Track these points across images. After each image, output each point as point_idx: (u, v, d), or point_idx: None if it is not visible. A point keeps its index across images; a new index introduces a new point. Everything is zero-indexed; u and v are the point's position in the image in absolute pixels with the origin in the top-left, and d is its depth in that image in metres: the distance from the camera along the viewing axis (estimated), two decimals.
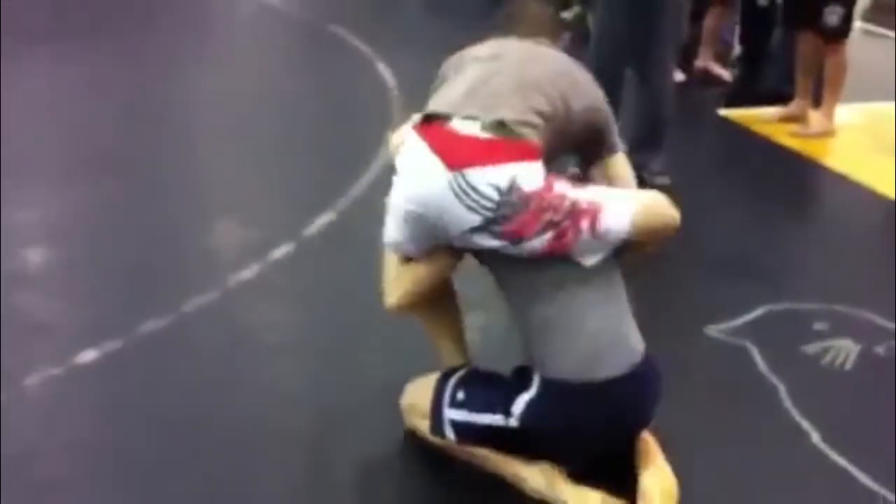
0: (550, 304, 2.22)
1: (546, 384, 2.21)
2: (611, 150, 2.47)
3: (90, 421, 2.55)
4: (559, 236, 2.14)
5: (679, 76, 5.80)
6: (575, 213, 2.14)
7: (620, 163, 2.49)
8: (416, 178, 2.20)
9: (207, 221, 3.73)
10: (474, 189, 2.12)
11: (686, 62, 5.75)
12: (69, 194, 3.87)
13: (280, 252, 3.43)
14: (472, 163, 2.13)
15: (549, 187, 2.15)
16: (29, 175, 4.06)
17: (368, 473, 2.38)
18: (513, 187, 2.12)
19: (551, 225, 2.13)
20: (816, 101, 5.04)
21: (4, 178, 3.96)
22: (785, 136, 4.87)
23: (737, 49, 6.32)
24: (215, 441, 2.46)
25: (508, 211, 2.12)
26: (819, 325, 3.05)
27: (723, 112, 5.31)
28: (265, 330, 2.97)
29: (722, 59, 6.09)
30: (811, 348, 2.93)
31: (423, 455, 2.40)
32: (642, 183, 4.06)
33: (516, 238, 2.15)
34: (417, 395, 2.42)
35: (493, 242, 2.17)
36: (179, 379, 2.70)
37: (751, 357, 2.88)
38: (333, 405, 2.61)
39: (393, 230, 2.28)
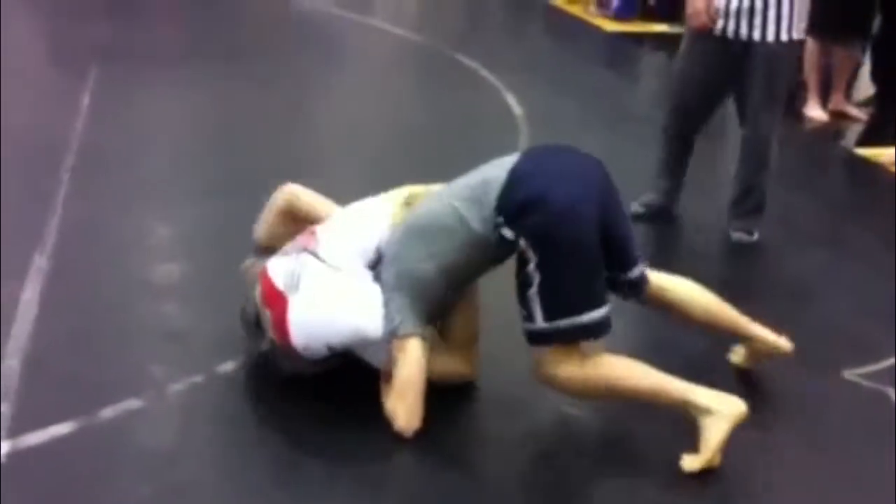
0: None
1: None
2: None
3: (227, 427, 2.65)
4: None
5: (821, 115, 5.71)
6: None
7: None
8: None
9: None
10: None
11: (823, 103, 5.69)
12: (203, 211, 4.02)
13: None
14: None
15: None
16: (167, 192, 4.25)
17: None
18: None
19: None
20: None
21: (145, 195, 4.15)
22: None
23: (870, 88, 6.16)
24: (351, 449, 2.53)
25: None
26: None
27: (858, 151, 5.19)
28: None
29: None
30: None
31: None
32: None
33: None
34: None
35: None
36: (313, 388, 2.76)
37: (890, 402, 2.80)
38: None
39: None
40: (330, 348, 2.65)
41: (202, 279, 3.41)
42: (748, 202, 3.96)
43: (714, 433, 2.43)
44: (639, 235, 3.94)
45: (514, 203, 2.50)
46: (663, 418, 2.60)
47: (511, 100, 5.72)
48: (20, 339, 2.95)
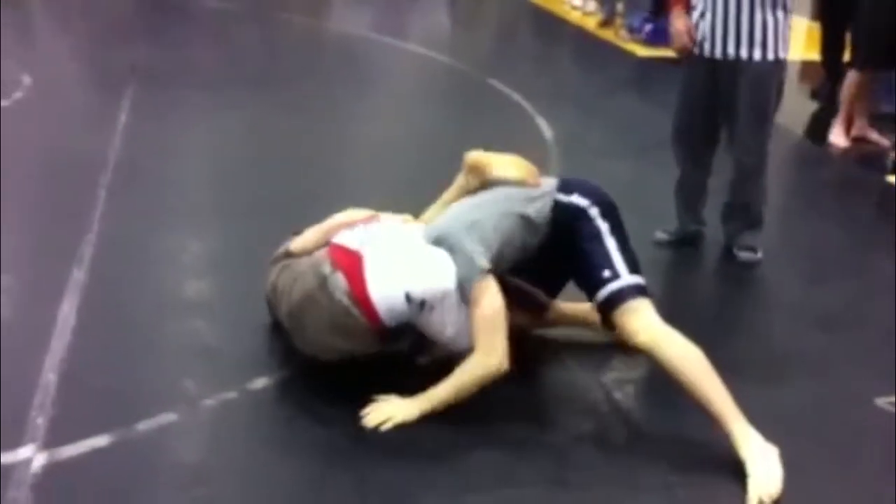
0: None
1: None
2: None
3: (258, 442, 2.67)
4: None
5: (842, 142, 5.68)
6: None
7: None
8: None
9: None
10: None
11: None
12: (236, 229, 4.07)
13: None
14: None
15: None
16: (201, 211, 4.30)
17: None
18: None
19: None
20: None
21: (180, 213, 4.21)
22: None
23: None
24: (379, 465, 2.54)
25: None
26: None
27: (891, 178, 5.16)
28: None
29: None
30: None
31: None
32: (731, 254, 3.98)
33: None
34: None
35: None
36: (343, 404, 2.77)
37: None
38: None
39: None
40: (409, 297, 2.71)
41: (235, 297, 3.44)
42: (743, 218, 3.98)
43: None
44: (664, 262, 3.99)
45: (580, 183, 3.00)
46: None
47: (542, 124, 5.75)
48: (57, 353, 3.00)
